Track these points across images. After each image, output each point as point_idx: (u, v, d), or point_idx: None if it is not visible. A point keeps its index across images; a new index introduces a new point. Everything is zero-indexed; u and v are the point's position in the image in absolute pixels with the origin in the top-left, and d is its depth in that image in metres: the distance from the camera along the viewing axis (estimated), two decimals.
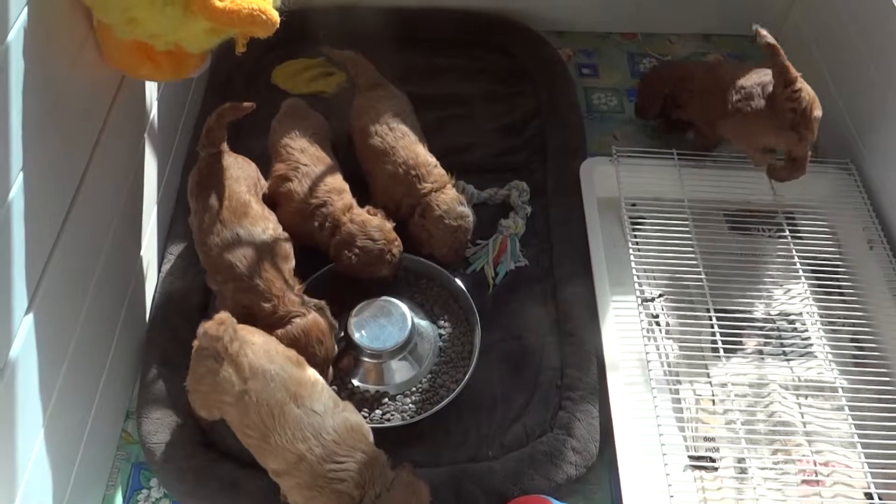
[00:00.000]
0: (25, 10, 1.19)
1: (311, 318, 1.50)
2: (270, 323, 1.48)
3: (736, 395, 1.59)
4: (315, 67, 2.24)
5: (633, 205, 1.89)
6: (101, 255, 1.47)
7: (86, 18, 1.39)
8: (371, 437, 1.36)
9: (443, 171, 1.78)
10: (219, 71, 2.15)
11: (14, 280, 1.16)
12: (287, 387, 1.30)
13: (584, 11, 2.42)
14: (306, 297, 1.54)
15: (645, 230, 1.85)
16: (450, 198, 1.73)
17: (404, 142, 1.77)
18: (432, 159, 1.79)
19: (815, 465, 1.50)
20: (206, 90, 2.13)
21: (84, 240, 1.40)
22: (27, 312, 1.20)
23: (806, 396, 1.62)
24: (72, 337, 1.36)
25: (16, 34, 1.16)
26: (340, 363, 1.60)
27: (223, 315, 1.32)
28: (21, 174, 1.18)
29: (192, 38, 1.39)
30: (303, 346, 1.46)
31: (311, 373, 1.38)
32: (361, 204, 1.74)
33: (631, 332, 1.66)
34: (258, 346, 1.34)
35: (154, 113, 1.75)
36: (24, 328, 1.19)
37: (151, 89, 1.73)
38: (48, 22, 1.26)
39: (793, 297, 1.78)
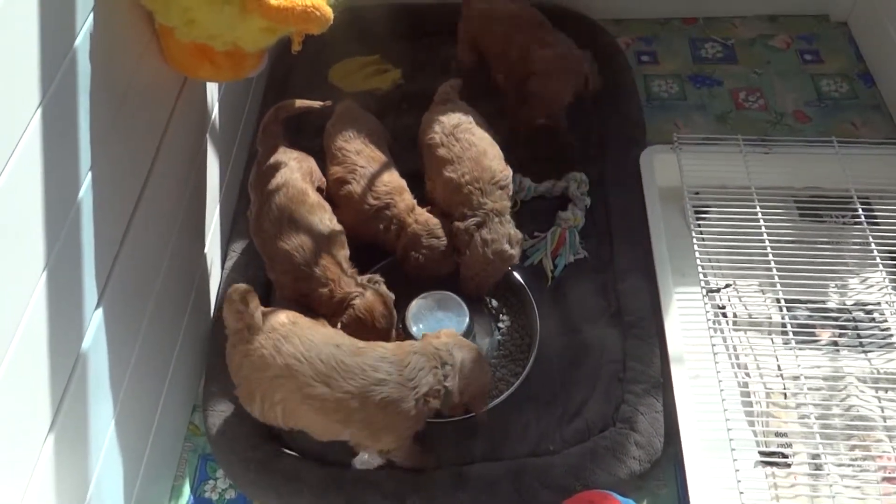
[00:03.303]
0: (91, 15, 1.23)
1: (369, 294, 1.54)
2: (332, 308, 1.52)
3: (809, 389, 1.52)
4: (370, 65, 2.26)
5: (696, 193, 1.83)
6: (167, 253, 1.52)
7: (148, 22, 1.43)
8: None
9: (504, 195, 1.69)
10: (277, 72, 2.20)
11: (84, 275, 1.20)
12: (326, 340, 1.34)
13: None
14: (359, 276, 1.57)
15: (709, 219, 1.79)
16: (502, 233, 1.64)
17: (470, 153, 1.72)
18: (501, 177, 1.70)
19: None
20: (265, 91, 2.17)
21: (150, 237, 1.45)
22: (97, 307, 1.25)
23: (886, 390, 1.54)
24: (139, 331, 1.40)
25: (83, 38, 1.20)
26: None
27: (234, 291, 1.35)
28: (90, 174, 1.22)
29: (249, 37, 1.42)
30: (369, 323, 1.49)
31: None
32: (420, 203, 1.74)
33: (696, 324, 1.61)
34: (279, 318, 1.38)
35: (215, 113, 1.80)
36: (95, 322, 1.23)
37: (213, 90, 1.77)
38: (113, 26, 1.30)
39: (870, 286, 1.69)
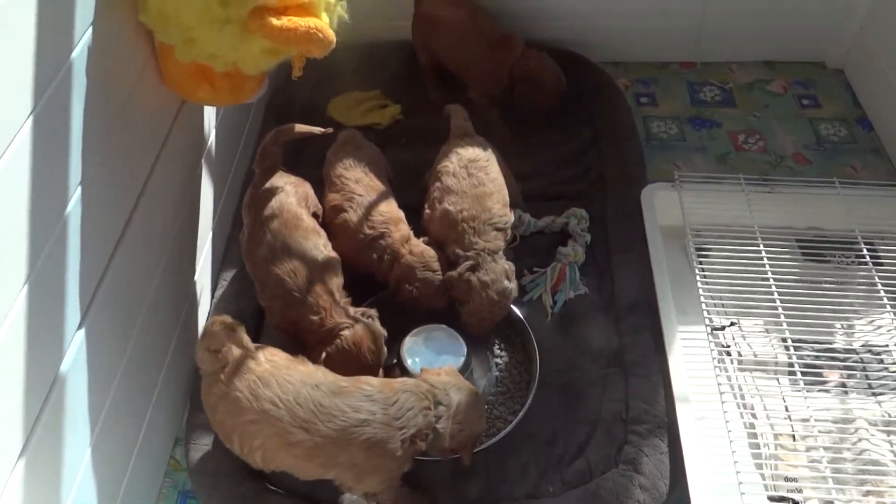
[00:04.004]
0: (90, 29, 1.21)
1: (359, 328, 1.48)
2: (319, 337, 1.47)
3: (820, 432, 1.47)
4: (370, 100, 2.25)
5: (698, 232, 1.80)
6: (155, 278, 1.47)
7: (147, 43, 1.41)
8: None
9: (500, 236, 1.66)
10: (276, 104, 2.18)
11: (68, 292, 1.15)
12: (304, 381, 1.28)
13: (641, 41, 2.39)
14: (353, 308, 1.51)
15: (711, 258, 1.75)
16: (499, 271, 1.60)
17: (477, 191, 1.68)
18: (499, 219, 1.67)
19: None
20: (263, 123, 2.16)
21: (138, 260, 1.40)
22: (79, 328, 1.19)
23: None
24: (123, 357, 1.34)
25: (80, 51, 1.18)
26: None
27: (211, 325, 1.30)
28: (79, 188, 1.18)
29: (250, 59, 1.40)
30: (354, 357, 1.43)
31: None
32: (417, 234, 1.70)
33: (701, 363, 1.56)
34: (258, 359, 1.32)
35: (212, 140, 1.77)
36: (76, 343, 1.18)
37: (210, 116, 1.75)
38: (111, 42, 1.28)
39: (878, 328, 1.65)
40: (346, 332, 1.46)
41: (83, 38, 1.19)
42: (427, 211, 1.74)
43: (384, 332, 1.52)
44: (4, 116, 0.99)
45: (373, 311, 1.53)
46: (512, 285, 1.62)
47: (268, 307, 1.55)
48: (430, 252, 1.64)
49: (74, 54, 1.16)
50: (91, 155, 1.20)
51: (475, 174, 1.71)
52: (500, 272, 1.60)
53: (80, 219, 1.18)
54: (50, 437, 1.11)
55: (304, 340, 1.48)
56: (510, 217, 1.71)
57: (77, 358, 1.17)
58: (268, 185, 1.62)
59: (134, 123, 1.37)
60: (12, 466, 1.03)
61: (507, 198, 1.73)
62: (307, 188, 1.68)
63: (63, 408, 1.14)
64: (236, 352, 1.29)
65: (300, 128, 1.72)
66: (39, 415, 1.08)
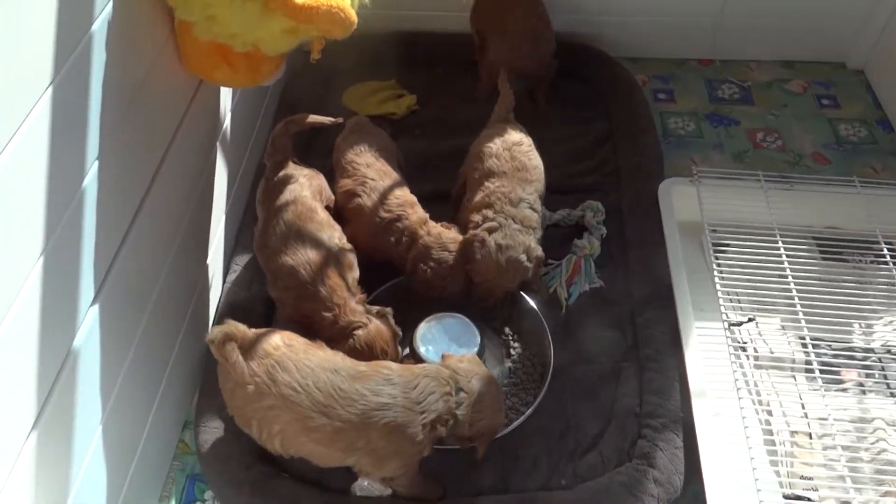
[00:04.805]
0: (110, 4, 1.20)
1: (373, 328, 1.45)
2: (332, 334, 1.43)
3: (837, 431, 1.44)
4: (385, 90, 2.24)
5: (714, 230, 1.77)
6: (169, 257, 1.45)
7: (167, 21, 1.40)
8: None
9: (534, 215, 1.62)
10: (291, 92, 2.17)
11: (83, 266, 1.14)
12: (323, 365, 1.26)
13: (659, 38, 2.37)
14: (368, 306, 1.49)
15: (729, 254, 1.73)
16: (519, 241, 1.56)
17: (519, 175, 1.66)
18: (536, 203, 1.65)
19: None
20: (277, 110, 2.14)
21: (152, 240, 1.38)
22: (93, 303, 1.18)
23: None
24: (135, 335, 1.32)
25: (100, 25, 1.16)
26: None
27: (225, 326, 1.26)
28: (97, 163, 1.17)
29: (270, 39, 1.38)
30: (367, 357, 1.40)
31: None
32: (436, 219, 1.68)
33: (717, 359, 1.54)
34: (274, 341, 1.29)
35: (227, 123, 1.76)
36: (90, 319, 1.16)
37: (226, 99, 1.74)
38: (131, 18, 1.27)
39: None
40: (359, 332, 1.43)
41: (104, 12, 1.18)
42: (467, 200, 1.70)
43: (399, 332, 1.50)
44: (25, 85, 0.98)
45: (388, 310, 1.50)
46: (528, 264, 1.57)
47: (279, 299, 1.52)
48: (449, 234, 1.62)
49: (95, 27, 1.15)
50: (108, 130, 1.19)
51: (518, 157, 1.68)
52: (519, 243, 1.56)
53: (97, 193, 1.17)
54: (62, 412, 1.10)
55: (316, 335, 1.45)
56: (540, 212, 1.66)
57: (90, 333, 1.16)
58: (281, 175, 1.59)
59: (151, 101, 1.36)
60: (25, 438, 1.01)
61: (544, 191, 1.70)
62: (321, 180, 1.66)
63: (75, 383, 1.12)
64: (240, 360, 1.24)
65: (311, 118, 1.69)
66: (52, 388, 1.07)
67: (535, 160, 1.71)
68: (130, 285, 1.30)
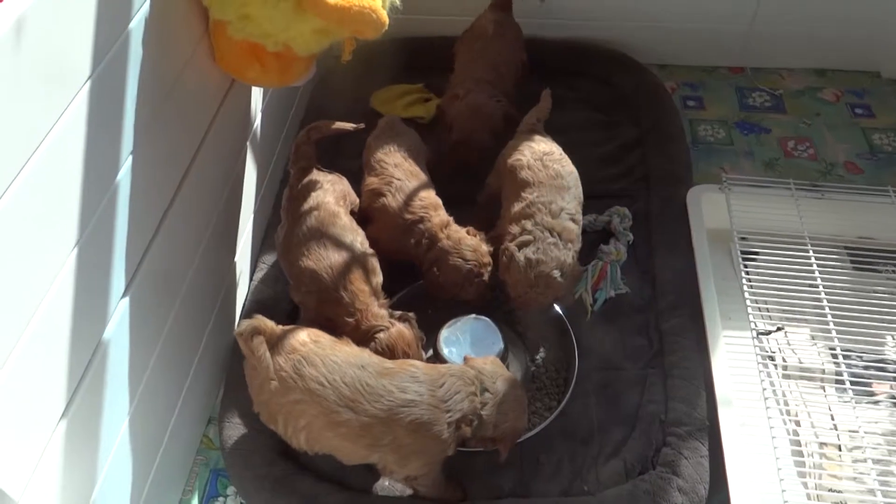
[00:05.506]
0: (148, 2, 1.22)
1: (394, 331, 1.44)
2: (354, 338, 1.43)
3: (868, 445, 1.41)
4: (413, 93, 2.25)
5: (744, 238, 1.75)
6: (198, 254, 1.47)
7: (202, 21, 1.42)
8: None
9: (574, 228, 1.57)
10: (319, 94, 2.19)
11: (115, 259, 1.15)
12: (350, 361, 1.27)
13: (689, 45, 2.36)
14: (391, 310, 1.49)
15: (758, 262, 1.71)
16: (553, 256, 1.50)
17: (556, 183, 1.61)
18: (575, 212, 1.60)
19: None
20: (306, 114, 2.16)
21: (183, 234, 1.40)
22: (124, 296, 1.19)
23: None
24: (163, 329, 1.34)
25: (137, 22, 1.19)
26: None
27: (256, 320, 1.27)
28: (131, 157, 1.19)
29: (301, 38, 1.40)
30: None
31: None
32: (462, 224, 1.68)
33: (745, 368, 1.51)
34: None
35: (258, 123, 1.77)
36: (120, 311, 1.18)
37: (257, 99, 1.76)
38: (168, 17, 1.29)
39: None
40: (380, 335, 1.43)
41: (142, 9, 1.20)
42: (504, 213, 1.65)
43: (422, 336, 1.49)
44: (63, 80, 1.00)
45: (410, 314, 1.50)
46: (560, 280, 1.51)
47: (302, 303, 1.53)
48: (468, 241, 1.61)
49: (132, 24, 1.17)
50: (143, 125, 1.21)
51: (551, 166, 1.64)
52: (552, 258, 1.50)
53: (130, 187, 1.19)
54: (90, 402, 1.11)
55: (339, 337, 1.45)
56: (581, 223, 1.62)
57: (120, 326, 1.18)
58: (305, 182, 1.60)
59: (185, 98, 1.38)
60: (55, 426, 1.03)
61: (582, 198, 1.66)
62: (344, 185, 1.66)
63: (104, 374, 1.14)
64: (267, 356, 1.25)
65: (334, 125, 1.68)
66: (82, 378, 1.08)
67: (568, 167, 1.68)
68: (160, 279, 1.32)
